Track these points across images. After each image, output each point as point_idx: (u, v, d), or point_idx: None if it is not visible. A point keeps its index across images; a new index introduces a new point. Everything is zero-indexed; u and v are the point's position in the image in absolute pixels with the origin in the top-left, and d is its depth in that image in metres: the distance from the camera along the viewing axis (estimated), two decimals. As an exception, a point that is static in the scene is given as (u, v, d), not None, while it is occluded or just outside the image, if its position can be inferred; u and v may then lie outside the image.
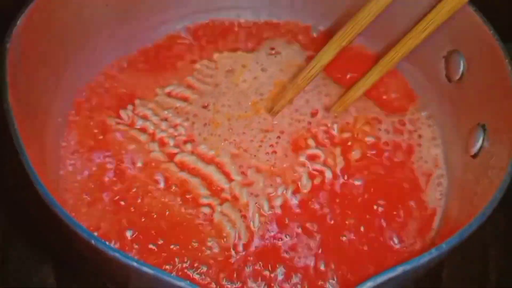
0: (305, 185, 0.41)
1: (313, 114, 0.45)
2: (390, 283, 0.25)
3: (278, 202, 0.40)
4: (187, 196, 0.39)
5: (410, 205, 0.40)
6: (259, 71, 0.47)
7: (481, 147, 0.37)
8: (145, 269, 0.23)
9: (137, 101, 0.44)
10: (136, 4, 0.46)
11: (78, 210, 0.38)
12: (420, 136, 0.44)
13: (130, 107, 0.44)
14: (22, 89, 0.35)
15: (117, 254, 0.24)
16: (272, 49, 0.49)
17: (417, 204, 0.41)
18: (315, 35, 0.50)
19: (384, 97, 0.47)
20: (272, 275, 0.37)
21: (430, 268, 0.30)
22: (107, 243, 0.25)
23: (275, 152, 0.42)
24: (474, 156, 0.38)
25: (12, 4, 0.36)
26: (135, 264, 0.24)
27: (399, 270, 0.24)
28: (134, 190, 0.39)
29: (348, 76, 0.47)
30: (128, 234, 0.37)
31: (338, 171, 0.42)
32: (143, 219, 0.38)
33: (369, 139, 0.43)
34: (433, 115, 0.45)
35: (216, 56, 0.48)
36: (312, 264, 0.37)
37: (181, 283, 0.23)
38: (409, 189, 0.41)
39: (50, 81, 0.40)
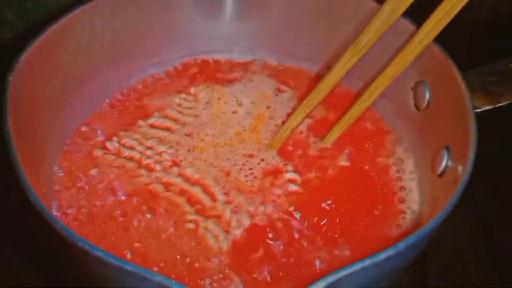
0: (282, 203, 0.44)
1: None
2: (349, 280, 0.27)
3: (258, 218, 0.42)
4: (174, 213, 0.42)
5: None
6: (236, 105, 0.51)
7: (446, 166, 0.40)
8: (126, 266, 0.26)
9: (121, 133, 0.48)
10: (129, 47, 0.51)
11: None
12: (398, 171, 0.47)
13: (115, 138, 0.48)
14: (21, 118, 0.38)
15: (100, 253, 0.26)
16: (244, 80, 0.54)
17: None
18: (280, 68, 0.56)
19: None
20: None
21: (395, 268, 0.32)
22: (92, 244, 0.27)
23: (255, 176, 0.45)
24: (440, 175, 0.41)
25: (14, 42, 0.40)
26: (116, 262, 0.26)
27: (358, 266, 0.26)
28: (118, 213, 0.42)
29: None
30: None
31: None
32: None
33: (344, 163, 0.47)
34: (407, 146, 0.48)
35: (193, 90, 0.52)
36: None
37: (159, 278, 0.25)
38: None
39: (48, 113, 0.44)
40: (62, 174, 0.45)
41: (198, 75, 0.54)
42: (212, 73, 0.55)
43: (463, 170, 0.33)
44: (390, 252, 0.27)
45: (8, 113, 0.35)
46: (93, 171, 0.45)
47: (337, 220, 0.43)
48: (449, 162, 0.40)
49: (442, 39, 0.43)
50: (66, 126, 0.47)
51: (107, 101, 0.51)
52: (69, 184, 0.44)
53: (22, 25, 0.53)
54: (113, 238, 0.40)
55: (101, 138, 0.48)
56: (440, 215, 0.30)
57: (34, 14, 0.55)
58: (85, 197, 0.43)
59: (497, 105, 0.39)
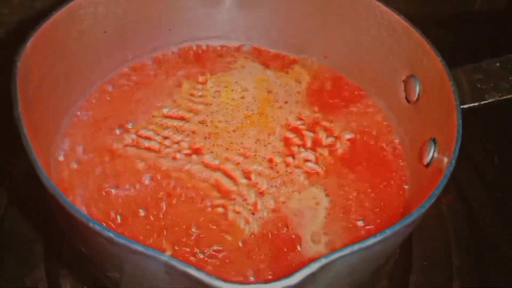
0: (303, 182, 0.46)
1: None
2: (340, 264, 0.29)
3: (281, 198, 0.45)
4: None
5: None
6: (242, 91, 0.53)
7: (432, 158, 0.43)
8: (133, 246, 0.28)
9: (137, 123, 0.49)
10: (131, 32, 0.52)
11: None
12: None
13: (133, 130, 0.49)
14: (29, 103, 0.39)
15: (110, 234, 0.28)
16: (244, 67, 0.56)
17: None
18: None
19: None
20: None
21: (381, 253, 0.35)
22: (97, 222, 0.29)
23: (271, 159, 0.48)
24: (427, 165, 0.43)
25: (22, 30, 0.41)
26: (124, 242, 0.28)
27: (348, 250, 0.29)
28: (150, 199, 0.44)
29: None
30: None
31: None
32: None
33: (348, 136, 0.50)
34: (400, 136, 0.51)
35: (201, 78, 0.54)
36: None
37: (165, 258, 0.27)
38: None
39: (52, 97, 0.45)
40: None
41: (199, 60, 0.56)
42: (214, 59, 0.56)
43: (447, 163, 0.36)
44: (377, 238, 0.30)
45: (18, 98, 0.36)
46: (110, 163, 0.46)
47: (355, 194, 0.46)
48: (435, 154, 0.42)
49: (434, 32, 0.45)
50: (70, 109, 0.48)
51: (109, 85, 0.52)
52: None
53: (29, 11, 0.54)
54: (147, 227, 0.41)
55: (108, 123, 0.49)
56: (424, 204, 0.32)
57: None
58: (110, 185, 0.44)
59: (483, 102, 0.41)
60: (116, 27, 0.51)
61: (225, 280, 0.27)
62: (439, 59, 0.43)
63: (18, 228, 0.52)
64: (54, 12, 0.43)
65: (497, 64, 0.43)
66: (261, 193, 0.45)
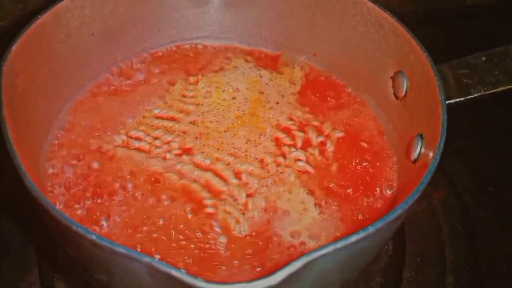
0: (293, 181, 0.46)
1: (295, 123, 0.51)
2: (324, 261, 0.29)
3: (272, 198, 0.45)
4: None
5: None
6: (233, 92, 0.53)
7: (419, 153, 0.43)
8: (117, 249, 0.28)
9: (128, 124, 0.49)
10: (120, 34, 0.52)
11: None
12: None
13: (122, 131, 0.49)
14: (15, 107, 0.40)
15: (93, 237, 0.28)
16: (236, 68, 0.56)
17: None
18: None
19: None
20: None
21: (368, 250, 0.35)
22: (86, 228, 0.29)
23: (262, 159, 0.48)
24: (415, 161, 0.43)
25: (8, 33, 0.41)
26: (107, 244, 0.28)
27: (330, 247, 0.29)
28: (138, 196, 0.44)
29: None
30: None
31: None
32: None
33: (338, 134, 0.50)
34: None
35: (192, 79, 0.54)
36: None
37: (147, 259, 0.27)
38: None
39: (40, 101, 0.45)
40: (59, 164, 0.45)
41: (191, 61, 0.56)
42: (203, 59, 0.56)
43: (432, 158, 0.36)
44: (360, 235, 0.30)
45: (3, 102, 0.36)
46: (96, 164, 0.46)
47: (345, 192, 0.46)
48: (423, 149, 0.42)
49: (420, 27, 0.45)
50: (59, 113, 0.49)
51: (100, 86, 0.52)
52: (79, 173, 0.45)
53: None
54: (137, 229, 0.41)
55: (98, 125, 0.49)
56: (407, 200, 0.32)
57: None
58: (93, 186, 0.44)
59: (468, 97, 0.41)
60: (104, 29, 0.51)
61: (207, 281, 0.27)
62: (425, 54, 0.43)
63: (11, 231, 0.52)
64: (39, 16, 0.43)
65: (483, 59, 0.43)
66: (251, 193, 0.45)
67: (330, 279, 0.34)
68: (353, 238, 0.30)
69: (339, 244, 0.29)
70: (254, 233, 0.42)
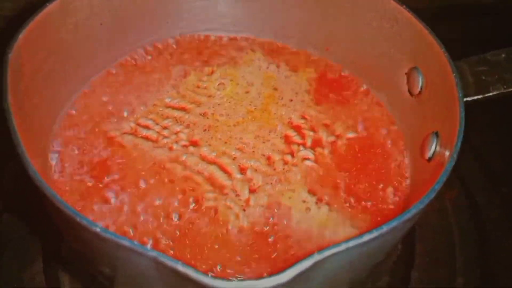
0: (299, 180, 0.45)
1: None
2: (335, 260, 0.28)
3: (275, 196, 0.44)
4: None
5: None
6: (247, 86, 0.52)
7: (434, 152, 0.41)
8: (121, 241, 0.27)
9: (137, 112, 0.49)
10: (129, 25, 0.51)
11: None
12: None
13: (131, 118, 0.48)
14: (21, 96, 0.39)
15: (97, 229, 0.27)
16: (252, 61, 0.55)
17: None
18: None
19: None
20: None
21: (379, 249, 0.34)
22: (90, 220, 0.28)
23: (269, 156, 0.47)
24: (429, 160, 0.42)
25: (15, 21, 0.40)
26: (113, 237, 0.27)
27: (342, 246, 0.28)
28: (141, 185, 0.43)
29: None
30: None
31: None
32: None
33: (351, 135, 0.49)
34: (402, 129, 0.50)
35: (206, 69, 0.53)
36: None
37: (153, 254, 0.27)
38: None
39: (47, 91, 0.44)
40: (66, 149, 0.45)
41: (201, 52, 0.55)
42: (216, 51, 0.55)
43: (449, 157, 0.34)
44: (373, 234, 0.29)
45: (8, 90, 0.36)
46: (104, 151, 0.45)
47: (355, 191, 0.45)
48: (438, 148, 0.41)
49: (437, 23, 0.44)
50: (66, 102, 0.48)
51: (108, 75, 0.51)
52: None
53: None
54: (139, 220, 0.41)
55: (105, 113, 0.48)
56: (423, 200, 0.31)
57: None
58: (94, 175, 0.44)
59: (487, 95, 0.40)
60: (113, 20, 0.50)
61: (214, 277, 0.26)
62: (442, 50, 0.42)
63: (14, 222, 0.51)
64: (47, 4, 0.42)
65: (503, 56, 0.42)
66: (255, 189, 0.44)
67: (339, 277, 0.33)
68: (366, 237, 0.29)
69: (352, 243, 0.28)
70: (253, 230, 0.42)
